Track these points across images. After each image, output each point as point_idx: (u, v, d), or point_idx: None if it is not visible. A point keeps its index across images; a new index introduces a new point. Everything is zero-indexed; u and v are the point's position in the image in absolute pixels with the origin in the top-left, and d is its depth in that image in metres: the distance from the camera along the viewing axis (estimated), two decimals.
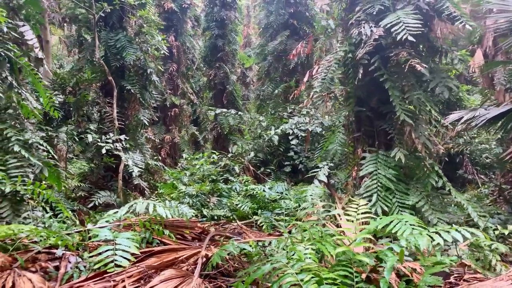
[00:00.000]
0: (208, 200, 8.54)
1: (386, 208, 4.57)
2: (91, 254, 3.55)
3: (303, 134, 10.41)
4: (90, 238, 4.44)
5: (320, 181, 5.55)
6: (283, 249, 3.84)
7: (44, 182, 5.40)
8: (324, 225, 4.92)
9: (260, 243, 4.18)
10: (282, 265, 2.52)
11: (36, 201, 4.93)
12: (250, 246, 3.72)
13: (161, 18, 10.74)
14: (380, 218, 3.69)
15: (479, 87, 12.46)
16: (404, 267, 3.17)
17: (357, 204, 3.53)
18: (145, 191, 9.12)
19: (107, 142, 7.59)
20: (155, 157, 10.79)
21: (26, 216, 4.66)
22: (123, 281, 3.00)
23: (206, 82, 18.61)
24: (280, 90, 12.82)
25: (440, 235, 2.78)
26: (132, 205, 4.26)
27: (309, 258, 2.81)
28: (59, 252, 3.95)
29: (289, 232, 6.98)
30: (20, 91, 5.36)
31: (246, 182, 9.77)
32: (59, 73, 8.47)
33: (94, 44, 9.02)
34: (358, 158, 5.39)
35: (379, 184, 4.73)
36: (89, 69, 9.29)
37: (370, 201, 4.66)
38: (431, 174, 4.70)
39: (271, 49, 13.27)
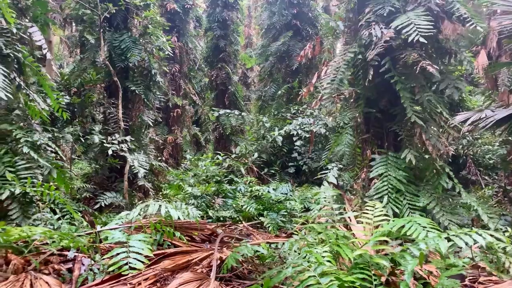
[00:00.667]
0: (213, 201, 8.52)
1: (397, 210, 4.57)
2: (105, 257, 3.53)
3: (307, 135, 10.40)
4: (100, 240, 4.43)
5: (329, 183, 5.54)
6: (296, 251, 3.83)
7: (51, 183, 5.38)
8: (333, 227, 4.91)
9: (271, 245, 4.16)
10: (304, 268, 2.51)
11: (45, 203, 4.91)
12: (263, 248, 3.70)
13: (164, 19, 10.70)
14: (393, 221, 3.68)
15: (481, 88, 12.47)
16: (421, 269, 3.16)
17: (373, 207, 3.52)
18: (149, 192, 9.10)
19: (112, 143, 7.57)
20: (159, 158, 10.78)
21: (35, 218, 4.63)
22: (139, 284, 2.98)
23: (208, 83, 18.61)
24: (283, 91, 12.80)
25: (461, 238, 2.76)
26: (144, 207, 4.23)
27: (328, 261, 2.79)
28: (70, 254, 3.94)
29: (296, 233, 6.99)
30: (28, 92, 5.34)
31: (251, 183, 9.76)
32: (64, 74, 8.44)
33: (98, 45, 9.01)
34: (367, 159, 5.38)
35: (389, 185, 4.73)
36: (93, 70, 9.27)
37: (380, 202, 4.65)
38: (442, 175, 4.70)
39: (274, 50, 13.27)
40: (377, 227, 5.11)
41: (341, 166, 5.94)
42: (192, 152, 17.77)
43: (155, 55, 9.16)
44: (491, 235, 2.75)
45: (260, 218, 7.77)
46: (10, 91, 4.62)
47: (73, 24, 12.01)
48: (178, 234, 4.38)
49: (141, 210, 4.25)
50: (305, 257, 2.81)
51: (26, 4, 5.45)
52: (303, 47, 13.09)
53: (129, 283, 3.02)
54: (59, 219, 5.07)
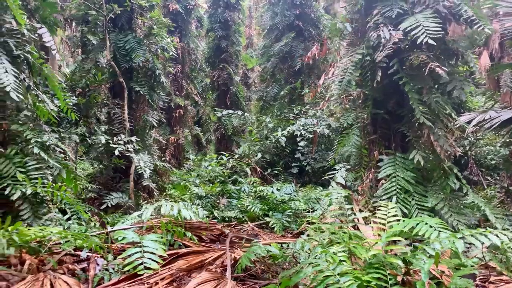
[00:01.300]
0: (218, 201, 8.55)
1: (405, 210, 4.61)
2: (120, 257, 3.56)
3: (311, 136, 10.44)
4: (111, 240, 4.46)
5: (337, 183, 5.58)
6: (308, 251, 3.87)
7: (60, 184, 5.41)
8: (341, 227, 4.95)
9: (281, 245, 4.20)
10: (324, 268, 2.55)
11: (55, 203, 4.94)
12: (275, 248, 3.73)
13: (169, 20, 10.72)
14: (403, 221, 3.72)
15: (481, 88, 12.54)
16: (433, 269, 3.20)
17: (386, 207, 3.56)
18: (154, 192, 9.13)
19: (119, 144, 7.59)
20: (163, 159, 10.80)
21: (47, 218, 4.66)
22: (156, 283, 3.02)
23: (209, 83, 18.64)
24: (285, 91, 12.83)
25: (477, 237, 2.80)
26: (157, 207, 4.26)
27: (343, 260, 2.83)
28: (83, 254, 3.97)
29: (302, 233, 7.03)
30: (37, 93, 5.36)
31: (254, 184, 9.79)
32: (69, 75, 8.47)
33: (103, 46, 9.04)
34: (374, 160, 5.42)
35: (398, 186, 4.77)
36: (97, 71, 9.30)
37: (389, 203, 4.69)
38: (450, 176, 4.74)
39: (277, 51, 13.30)
40: (384, 228, 5.16)
41: (348, 166, 5.98)
42: (193, 152, 17.78)
43: (160, 56, 9.18)
44: (505, 235, 2.79)
45: (265, 218, 7.81)
46: (21, 92, 4.64)
47: (73, 24, 12.01)
48: (189, 234, 4.41)
49: (154, 210, 4.27)
50: (321, 256, 2.83)
51: (35, 5, 5.47)
52: (305, 47, 13.17)
53: (146, 283, 3.04)
54: (69, 219, 5.09)
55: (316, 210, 8.04)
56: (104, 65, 9.53)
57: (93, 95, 8.79)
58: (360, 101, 5.53)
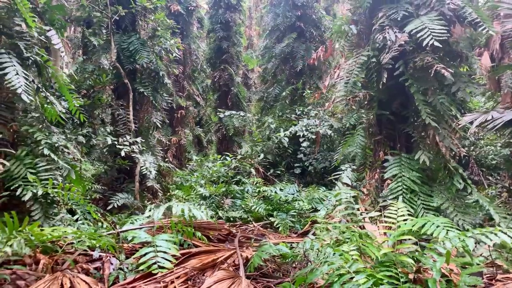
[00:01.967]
0: (222, 201, 8.62)
1: (411, 210, 4.67)
2: (134, 256, 3.62)
3: (313, 136, 10.51)
4: (122, 240, 4.52)
5: (343, 183, 5.65)
6: (318, 250, 3.93)
7: (68, 184, 5.46)
8: (347, 227, 5.01)
9: (291, 245, 4.26)
10: (340, 266, 2.61)
11: (66, 204, 4.99)
12: (285, 247, 3.80)
13: (173, 21, 10.78)
14: (411, 220, 3.78)
15: (480, 89, 12.62)
16: (442, 267, 3.26)
17: (396, 207, 3.62)
18: (158, 193, 9.18)
19: (124, 145, 7.65)
20: (166, 159, 10.86)
21: (58, 219, 4.71)
22: (172, 282, 3.07)
23: (210, 84, 18.70)
24: (287, 92, 12.90)
25: (487, 236, 2.87)
26: (167, 207, 4.32)
27: (356, 259, 2.89)
28: (96, 254, 4.03)
29: (307, 233, 7.10)
30: (46, 95, 5.41)
31: (258, 184, 9.85)
32: (74, 76, 8.51)
33: (107, 47, 9.10)
34: (379, 160, 5.48)
35: (404, 186, 4.84)
36: (100, 72, 9.34)
37: (395, 202, 4.76)
38: (455, 176, 4.81)
39: (278, 52, 13.36)
40: (391, 227, 5.22)
41: (354, 167, 6.05)
42: (194, 153, 17.84)
43: (164, 57, 9.24)
44: None
45: (270, 218, 7.88)
46: (31, 94, 4.69)
47: (73, 25, 12.05)
48: (198, 234, 4.47)
49: (165, 210, 4.33)
50: (334, 255, 2.90)
51: (43, 7, 5.51)
52: (307, 48, 13.24)
53: (162, 281, 3.10)
54: (79, 219, 5.15)
55: (320, 210, 8.11)
56: (107, 67, 9.58)
57: (97, 96, 8.84)
58: (366, 102, 5.60)
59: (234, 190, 9.14)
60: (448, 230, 3.45)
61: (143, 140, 8.39)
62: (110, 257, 3.83)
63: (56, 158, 5.05)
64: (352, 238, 3.39)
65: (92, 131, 8.47)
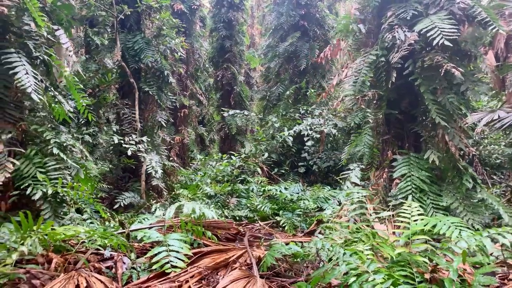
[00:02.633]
0: (227, 200, 8.62)
1: (421, 210, 4.66)
2: (147, 255, 3.62)
3: (318, 136, 10.51)
4: (131, 238, 4.52)
5: (352, 183, 5.65)
6: (328, 250, 3.93)
7: (77, 184, 5.46)
8: (357, 228, 5.02)
9: (302, 244, 4.26)
10: (357, 265, 2.61)
11: (76, 203, 5.00)
12: (298, 247, 3.80)
13: (178, 20, 10.78)
14: (422, 220, 3.78)
15: (486, 88, 12.61)
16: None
17: (409, 206, 3.62)
18: (163, 192, 9.18)
19: (130, 144, 7.66)
20: (171, 159, 10.87)
21: (68, 218, 4.71)
22: (187, 281, 3.08)
23: (213, 83, 18.70)
24: (291, 91, 12.89)
25: (504, 236, 2.87)
26: (178, 206, 4.32)
27: (371, 259, 2.89)
28: (107, 253, 4.03)
29: (313, 232, 7.10)
30: (54, 94, 5.42)
31: (262, 183, 9.86)
32: (82, 75, 8.51)
33: (111, 46, 9.11)
34: (387, 160, 5.48)
35: (413, 185, 4.84)
36: (105, 71, 9.35)
37: (404, 202, 4.77)
38: (464, 175, 4.81)
39: (282, 51, 13.34)
40: (401, 226, 5.22)
41: (363, 166, 6.05)
42: (197, 152, 17.84)
43: (169, 57, 9.23)
44: None
45: (275, 217, 7.88)
46: (41, 93, 4.69)
47: (75, 25, 12.02)
48: (209, 233, 4.48)
49: (176, 209, 4.33)
50: (349, 254, 2.90)
51: (51, 7, 5.51)
52: (310, 47, 13.22)
53: (177, 281, 3.11)
54: (89, 218, 5.16)
55: (325, 210, 8.12)
56: (112, 66, 9.57)
57: (102, 95, 8.85)
58: (374, 102, 5.59)
59: (239, 189, 9.15)
60: (460, 229, 3.46)
61: (149, 139, 8.39)
62: (121, 256, 3.83)
63: (65, 157, 5.06)
64: (365, 237, 3.39)
65: (97, 131, 8.48)
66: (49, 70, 5.34)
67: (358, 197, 4.30)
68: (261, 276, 3.39)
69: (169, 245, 3.63)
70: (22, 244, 2.96)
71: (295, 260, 4.00)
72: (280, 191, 8.98)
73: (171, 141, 14.63)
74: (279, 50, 13.51)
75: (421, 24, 4.78)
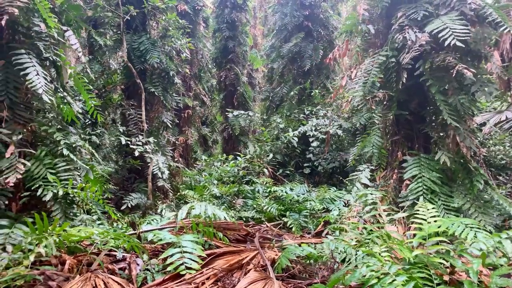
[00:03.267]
0: (234, 201, 8.61)
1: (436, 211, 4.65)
2: (161, 257, 3.61)
3: (323, 136, 10.50)
4: (142, 240, 4.51)
5: (362, 184, 5.64)
6: (341, 252, 3.92)
7: (87, 185, 5.45)
8: (364, 228, 5.00)
9: (312, 246, 4.25)
10: (379, 268, 2.60)
11: (86, 204, 4.99)
12: (311, 248, 3.78)
13: (185, 21, 10.78)
14: (435, 221, 3.76)
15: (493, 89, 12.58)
16: None
17: (426, 208, 3.61)
18: (169, 193, 9.18)
19: (137, 145, 7.65)
20: (176, 159, 10.86)
21: (79, 219, 4.71)
22: (203, 283, 3.07)
23: (216, 84, 18.69)
24: (295, 92, 12.89)
25: None
26: (190, 208, 4.31)
27: (388, 260, 2.88)
28: (119, 254, 4.03)
29: (320, 233, 7.08)
30: (63, 95, 5.41)
31: (267, 184, 9.85)
32: (92, 76, 8.53)
33: (117, 47, 9.12)
34: (397, 161, 5.47)
35: (424, 187, 4.82)
36: (110, 72, 9.35)
37: (415, 203, 4.76)
38: (476, 177, 4.79)
39: (286, 51, 13.33)
40: (409, 228, 5.20)
41: (372, 167, 6.03)
42: (200, 153, 17.83)
43: (175, 57, 9.23)
44: None
45: (282, 218, 7.87)
46: (51, 94, 4.69)
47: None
48: (220, 234, 4.46)
49: (188, 210, 4.32)
50: (368, 256, 2.89)
51: (60, 7, 5.50)
52: (314, 48, 13.21)
53: (193, 283, 3.09)
54: (99, 219, 5.15)
55: (331, 211, 8.11)
56: (117, 67, 9.57)
57: (108, 96, 8.85)
58: (385, 102, 5.58)
59: (245, 190, 9.14)
60: (476, 231, 3.44)
61: (155, 140, 8.39)
62: (134, 257, 3.82)
63: (75, 158, 5.05)
64: (378, 239, 3.37)
65: (104, 131, 8.48)
66: (59, 71, 5.33)
67: (372, 199, 4.29)
68: (277, 278, 3.38)
69: (182, 247, 3.61)
70: (37, 245, 2.95)
71: (308, 261, 3.98)
72: (286, 192, 8.98)
73: (175, 142, 14.64)
74: (283, 50, 13.50)
75: (432, 25, 4.76)
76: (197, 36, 15.91)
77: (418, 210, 3.53)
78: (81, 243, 4.07)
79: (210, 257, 3.71)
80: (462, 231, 3.41)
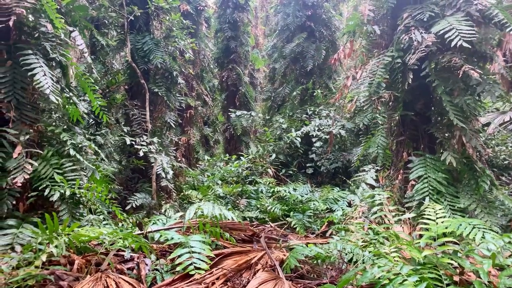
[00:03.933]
0: (237, 201, 8.62)
1: (444, 211, 4.66)
2: (170, 257, 3.62)
3: (326, 137, 10.51)
4: (148, 239, 4.52)
5: (367, 184, 5.65)
6: (348, 252, 3.93)
7: (93, 185, 5.46)
8: (370, 228, 5.01)
9: (320, 246, 4.26)
10: (391, 268, 2.61)
11: (93, 204, 5.00)
12: (319, 248, 3.79)
13: (189, 21, 10.80)
14: (442, 222, 3.77)
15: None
16: None
17: (433, 208, 3.62)
18: (172, 193, 9.19)
19: (142, 145, 7.67)
20: (179, 160, 10.87)
21: (86, 219, 4.72)
22: (213, 283, 3.08)
23: (217, 84, 18.71)
24: (298, 92, 12.90)
25: None
26: (198, 208, 4.32)
27: (397, 261, 2.89)
28: (127, 254, 4.04)
29: (324, 233, 7.09)
30: (69, 95, 5.42)
31: (270, 184, 9.86)
32: (98, 76, 8.53)
33: (120, 47, 9.13)
34: (402, 161, 5.48)
35: (430, 187, 4.83)
36: (114, 72, 9.36)
37: (421, 203, 4.77)
38: (482, 177, 4.80)
39: (289, 51, 13.35)
40: (415, 228, 5.21)
41: (377, 167, 6.04)
42: (202, 153, 17.85)
43: (178, 57, 9.24)
44: None
45: (286, 218, 7.88)
46: (58, 94, 4.70)
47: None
48: (227, 235, 4.47)
49: (196, 210, 4.33)
50: (378, 256, 2.90)
51: (66, 8, 5.52)
52: (317, 48, 13.22)
53: (203, 283, 3.10)
54: (105, 219, 5.16)
55: (335, 211, 8.12)
56: (118, 67, 9.57)
57: (112, 96, 8.86)
58: (391, 103, 5.59)
59: (249, 190, 9.15)
60: (483, 231, 3.45)
61: (159, 140, 8.41)
62: (142, 257, 3.83)
63: (81, 159, 5.07)
64: (385, 239, 3.38)
65: (108, 131, 8.49)
66: (65, 71, 5.34)
67: (380, 199, 4.30)
68: (286, 278, 3.39)
69: (191, 247, 3.62)
70: (47, 245, 2.96)
71: (315, 262, 4.00)
72: (289, 192, 9.00)
73: (178, 142, 14.65)
74: (285, 51, 13.51)
75: (438, 26, 4.77)
76: (199, 36, 15.92)
77: (425, 211, 3.54)
78: (89, 243, 4.07)
79: (218, 257, 3.72)
80: (470, 232, 3.42)
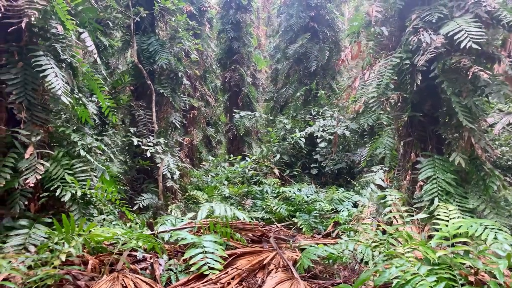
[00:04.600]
0: (243, 202, 8.65)
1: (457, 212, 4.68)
2: (184, 257, 3.65)
3: (330, 137, 10.54)
4: (160, 240, 4.54)
5: (376, 185, 5.67)
6: (359, 252, 3.95)
7: (104, 185, 5.49)
8: (378, 229, 5.04)
9: (332, 246, 4.28)
10: (409, 268, 2.63)
11: (104, 204, 5.03)
12: (332, 249, 3.82)
13: (195, 22, 10.83)
14: (453, 223, 3.79)
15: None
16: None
17: (447, 209, 3.64)
18: (178, 193, 9.22)
19: (148, 145, 7.69)
20: (183, 160, 10.90)
21: (98, 220, 4.74)
22: (229, 283, 3.10)
23: (220, 84, 18.74)
24: (301, 92, 12.93)
25: None
26: (210, 208, 4.34)
27: (411, 261, 2.91)
28: (139, 254, 4.06)
29: (330, 233, 7.11)
30: (78, 96, 5.45)
31: (275, 185, 9.88)
32: (106, 77, 8.57)
33: (125, 48, 9.17)
34: (410, 162, 5.50)
35: (439, 188, 4.85)
36: (122, 73, 9.39)
37: (430, 204, 4.80)
38: (491, 178, 4.82)
39: (292, 52, 13.39)
40: (423, 229, 5.23)
41: (385, 168, 6.07)
42: (205, 153, 17.87)
43: (184, 58, 9.27)
44: None
45: (292, 219, 7.91)
46: (69, 95, 4.73)
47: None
48: (238, 235, 4.50)
49: (208, 211, 4.35)
50: (392, 257, 2.92)
51: (75, 9, 5.55)
52: (320, 49, 13.26)
53: (219, 283, 3.13)
54: (111, 221, 5.18)
55: (340, 211, 8.15)
56: (124, 68, 9.59)
57: (118, 97, 8.89)
58: (399, 104, 5.61)
59: (254, 191, 9.18)
60: (496, 232, 3.47)
61: (165, 141, 8.43)
62: (155, 258, 3.86)
63: (91, 159, 5.09)
64: (396, 240, 3.41)
65: (115, 132, 8.52)
66: (75, 72, 5.37)
67: (392, 200, 4.33)
68: (300, 278, 3.41)
69: (204, 247, 3.65)
70: (70, 246, 2.98)
71: (327, 262, 4.02)
72: (294, 192, 9.02)
73: (182, 142, 14.67)
74: (289, 51, 13.55)
75: (447, 27, 4.79)
76: (202, 37, 15.94)
77: (435, 211, 3.56)
78: (102, 243, 4.10)
79: (231, 258, 3.74)
80: (482, 232, 3.44)
